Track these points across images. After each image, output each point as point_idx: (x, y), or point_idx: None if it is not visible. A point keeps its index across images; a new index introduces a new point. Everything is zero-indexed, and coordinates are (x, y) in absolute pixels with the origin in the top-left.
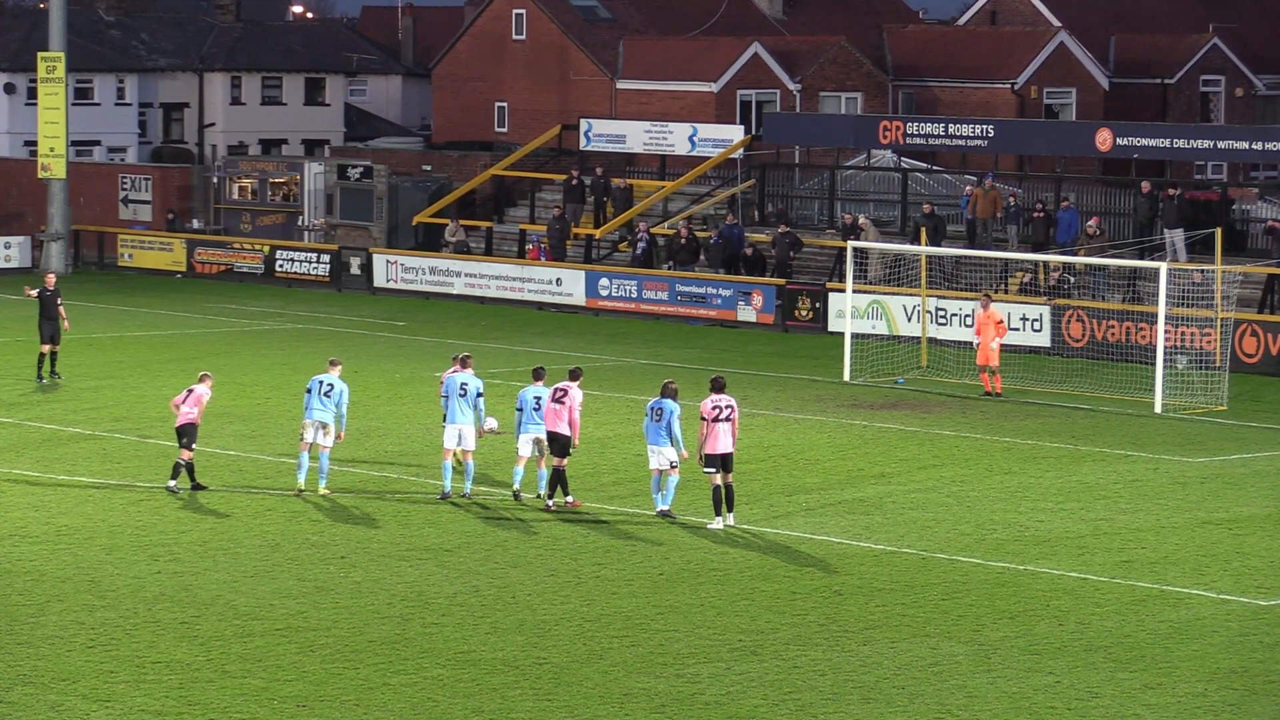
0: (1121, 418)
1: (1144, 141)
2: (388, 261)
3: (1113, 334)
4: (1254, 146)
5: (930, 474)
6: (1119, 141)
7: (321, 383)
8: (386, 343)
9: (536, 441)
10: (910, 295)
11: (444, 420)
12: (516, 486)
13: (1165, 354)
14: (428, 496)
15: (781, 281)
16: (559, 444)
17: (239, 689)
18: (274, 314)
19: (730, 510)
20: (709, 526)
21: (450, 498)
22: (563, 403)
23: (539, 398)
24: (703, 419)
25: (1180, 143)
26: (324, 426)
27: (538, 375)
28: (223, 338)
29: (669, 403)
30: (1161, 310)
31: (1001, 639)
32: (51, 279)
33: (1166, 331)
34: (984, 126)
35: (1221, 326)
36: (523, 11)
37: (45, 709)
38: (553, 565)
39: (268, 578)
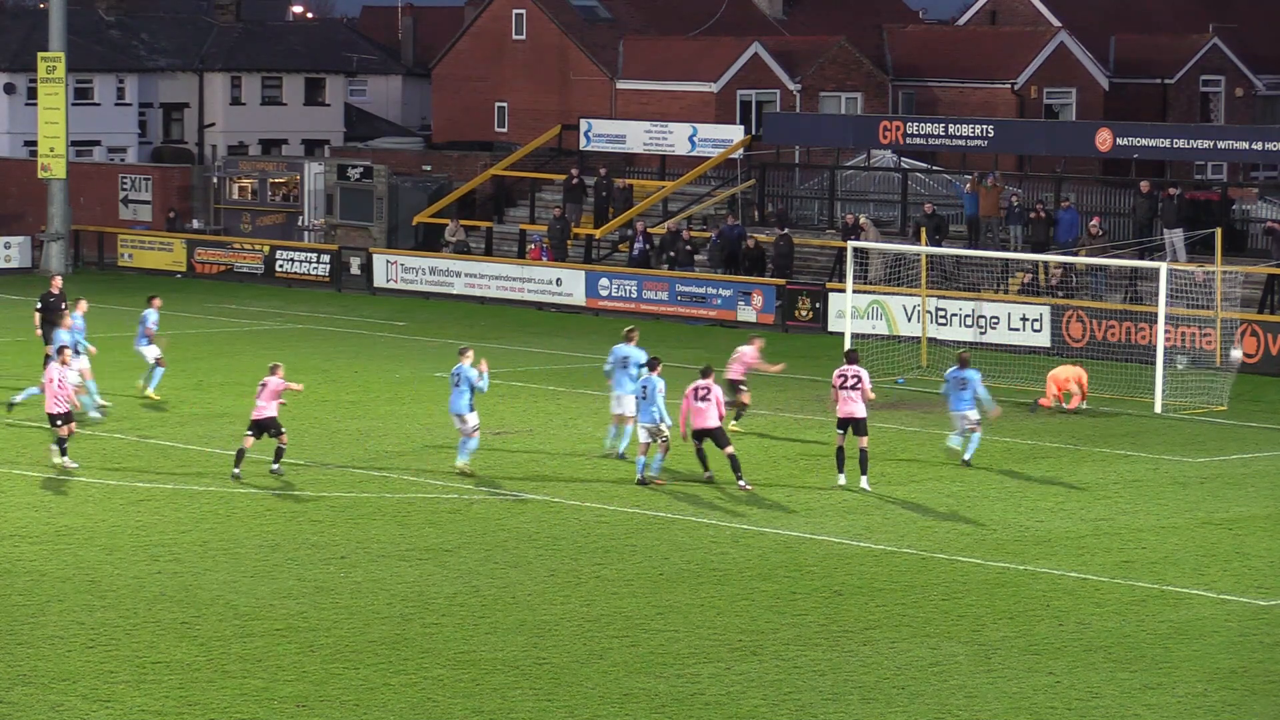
0: (1121, 418)
1: (1144, 141)
2: (388, 261)
3: (1113, 334)
4: (1254, 146)
5: (930, 474)
6: (1119, 141)
7: (454, 374)
8: (386, 343)
9: (651, 430)
10: (910, 295)
11: (611, 390)
12: (640, 474)
13: (1165, 354)
14: (428, 497)
15: (781, 281)
16: (718, 438)
17: (239, 689)
18: (274, 314)
19: (864, 473)
20: (839, 483)
21: (616, 455)
22: (708, 400)
23: (646, 386)
24: (832, 386)
25: (1180, 143)
26: (460, 417)
27: (653, 365)
28: (223, 338)
29: (972, 372)
30: (1161, 310)
31: (1001, 639)
32: (57, 282)
33: (1166, 331)
34: (984, 126)
35: (1221, 326)
36: (523, 11)
37: (45, 709)
38: (553, 565)
39: (268, 578)
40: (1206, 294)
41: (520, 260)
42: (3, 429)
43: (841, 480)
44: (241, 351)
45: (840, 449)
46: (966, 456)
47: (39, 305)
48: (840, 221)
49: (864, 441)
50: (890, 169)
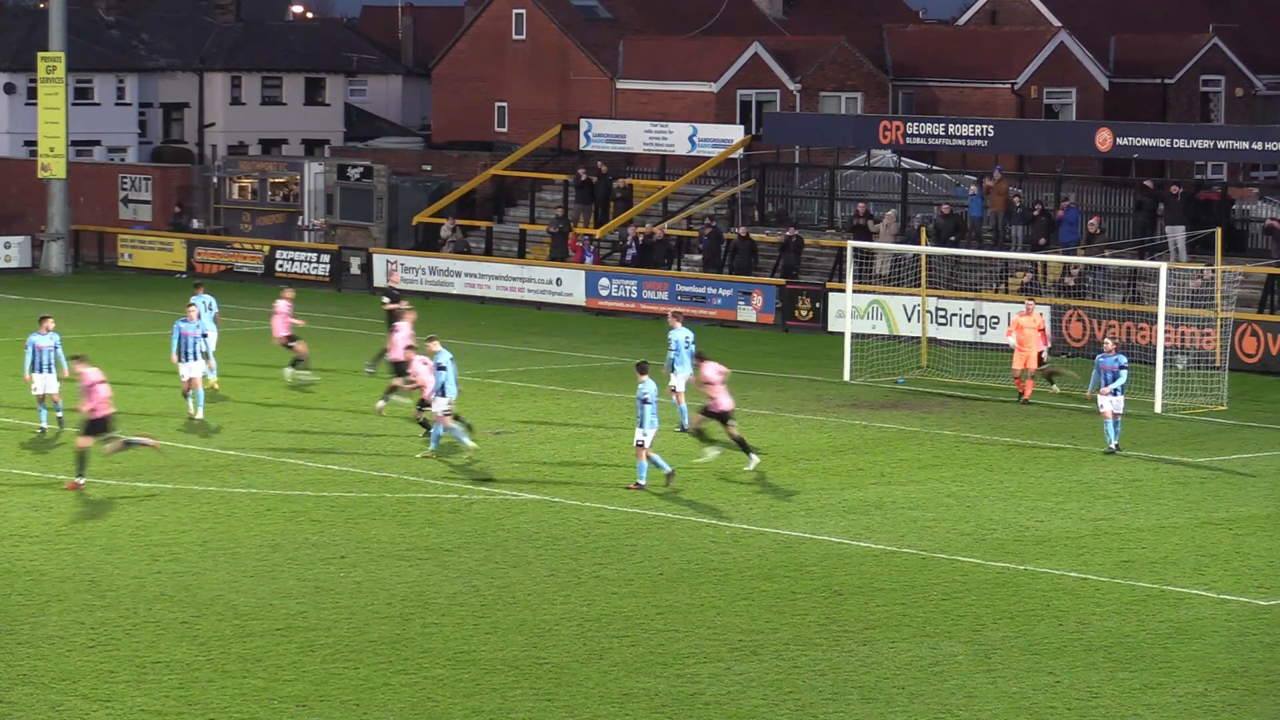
0: (1122, 418)
1: (1144, 141)
2: (388, 261)
3: (1113, 334)
4: (1254, 146)
5: (930, 474)
6: (1119, 141)
7: (449, 360)
8: (386, 343)
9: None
10: (910, 295)
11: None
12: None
13: (1165, 354)
14: (428, 497)
15: (781, 281)
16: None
17: (239, 689)
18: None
19: (750, 451)
20: (707, 455)
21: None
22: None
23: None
24: (714, 383)
25: (1180, 143)
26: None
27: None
28: (223, 338)
29: (1123, 356)
30: (1161, 310)
31: (1001, 639)
32: (396, 277)
33: (1166, 331)
34: (984, 126)
35: (1221, 326)
36: (523, 11)
37: (45, 709)
38: (553, 565)
39: (268, 578)
40: (1206, 294)
41: (520, 260)
42: (3, 429)
43: (731, 456)
44: (241, 351)
45: (738, 437)
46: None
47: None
48: (854, 213)
49: (734, 428)
50: (890, 169)
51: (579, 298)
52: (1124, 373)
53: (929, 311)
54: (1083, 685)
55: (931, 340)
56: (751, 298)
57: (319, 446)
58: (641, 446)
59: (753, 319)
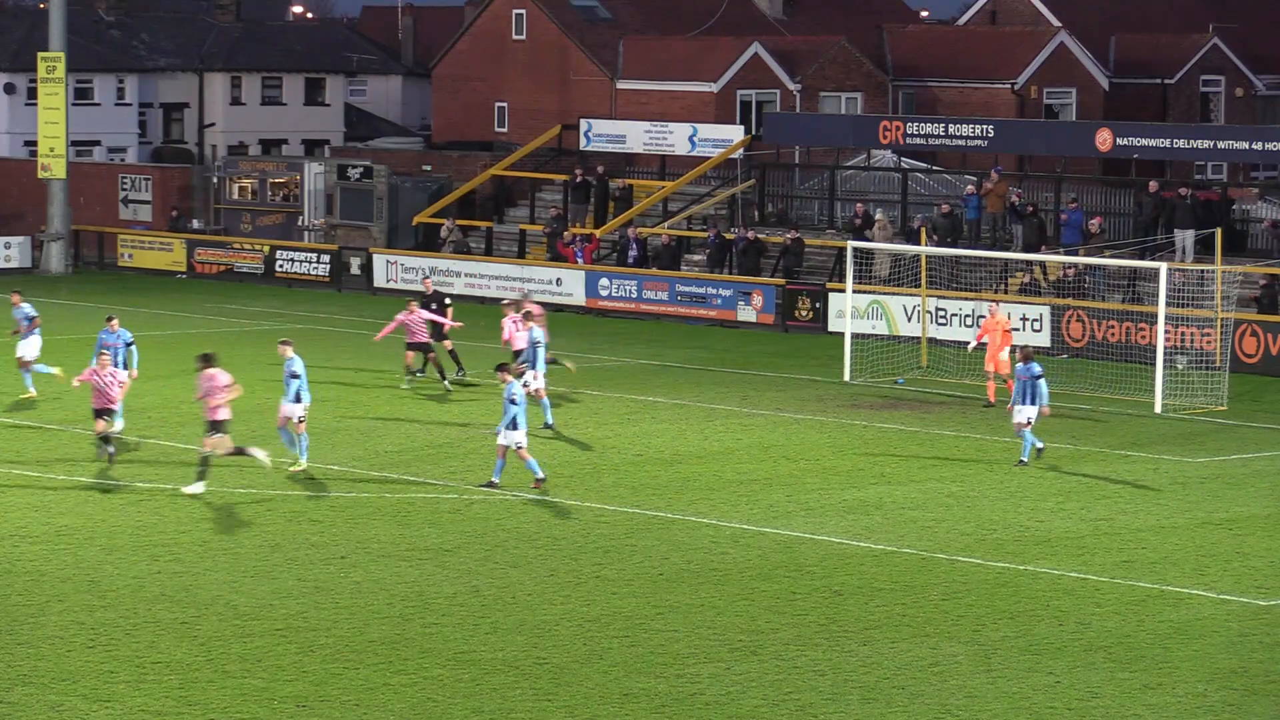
0: (1121, 418)
1: (1144, 141)
2: (388, 261)
3: (1113, 334)
4: (1254, 146)
5: (930, 474)
6: (1119, 141)
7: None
8: (386, 343)
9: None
10: (910, 295)
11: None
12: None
13: (1165, 354)
14: (428, 497)
15: (781, 281)
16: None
17: (239, 689)
18: (274, 314)
19: (201, 480)
20: (188, 490)
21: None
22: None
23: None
24: (220, 387)
25: (1180, 143)
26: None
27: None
28: (223, 338)
29: (1036, 365)
30: (1161, 310)
31: (1001, 639)
32: (429, 284)
33: (1166, 331)
34: (984, 126)
35: (1221, 326)
36: (523, 11)
37: (45, 709)
38: (553, 565)
39: (268, 578)
40: (1206, 294)
41: (520, 260)
42: (2, 429)
43: (200, 487)
44: (241, 351)
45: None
46: (1023, 458)
47: (420, 305)
48: (848, 218)
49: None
50: (890, 169)
51: (579, 298)
52: (1040, 382)
53: (929, 312)
54: (1083, 685)
55: (931, 340)
56: (751, 298)
57: (320, 447)
58: (509, 447)
59: (753, 319)
